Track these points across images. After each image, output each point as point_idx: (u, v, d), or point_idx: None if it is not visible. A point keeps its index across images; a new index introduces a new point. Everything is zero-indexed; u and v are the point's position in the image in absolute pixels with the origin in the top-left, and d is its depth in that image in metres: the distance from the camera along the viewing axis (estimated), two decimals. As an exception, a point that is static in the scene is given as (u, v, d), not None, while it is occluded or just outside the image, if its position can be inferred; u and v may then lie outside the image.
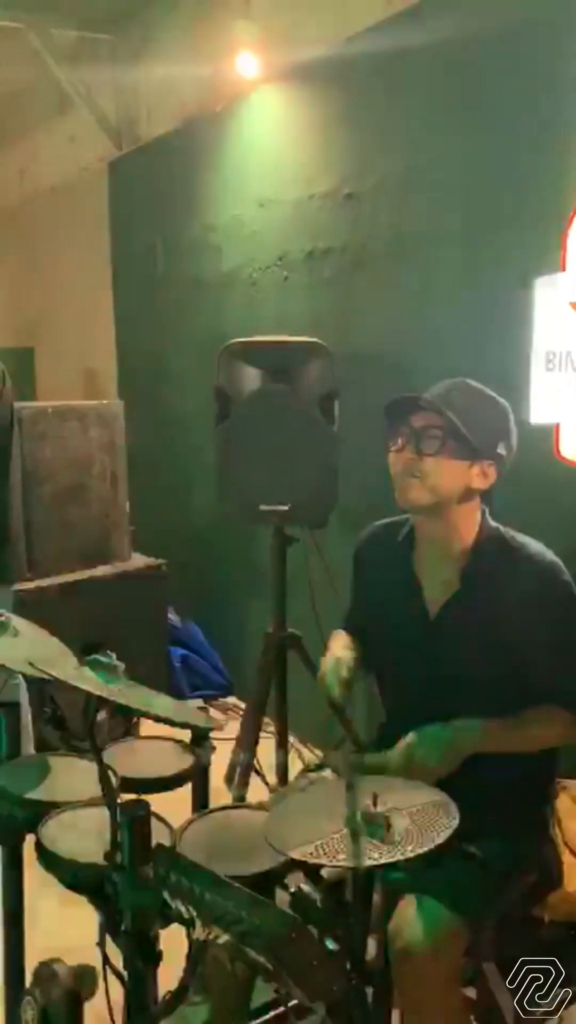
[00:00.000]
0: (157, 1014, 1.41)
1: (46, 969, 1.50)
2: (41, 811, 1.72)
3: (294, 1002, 1.12)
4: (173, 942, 1.38)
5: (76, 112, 5.27)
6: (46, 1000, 1.47)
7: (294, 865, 1.47)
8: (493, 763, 1.78)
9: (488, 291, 2.75)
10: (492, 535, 1.89)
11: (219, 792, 2.65)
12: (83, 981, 1.46)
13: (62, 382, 5.96)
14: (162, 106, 4.72)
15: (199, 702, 4.19)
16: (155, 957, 1.39)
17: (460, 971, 1.73)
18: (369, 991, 1.52)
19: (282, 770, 3.07)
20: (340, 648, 2.03)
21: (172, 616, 4.35)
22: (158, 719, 1.49)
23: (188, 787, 1.94)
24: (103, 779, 1.45)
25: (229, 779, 3.04)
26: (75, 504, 3.92)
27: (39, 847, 1.62)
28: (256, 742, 3.02)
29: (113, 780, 1.50)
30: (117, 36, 4.98)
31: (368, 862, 1.31)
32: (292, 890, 1.47)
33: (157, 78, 4.64)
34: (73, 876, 1.55)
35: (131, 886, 1.35)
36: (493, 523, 1.91)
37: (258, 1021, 1.68)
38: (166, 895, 1.30)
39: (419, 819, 1.39)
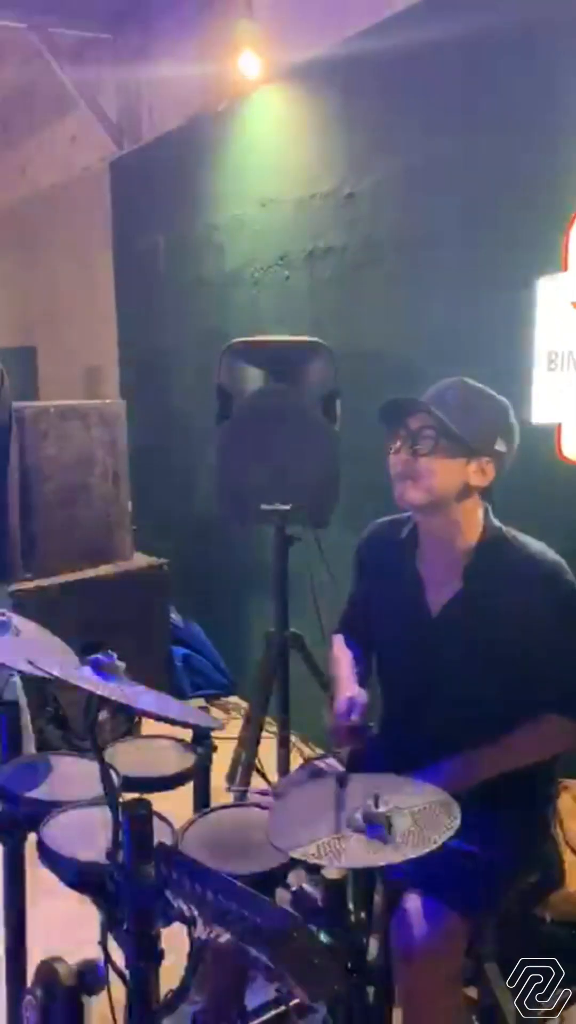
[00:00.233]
0: (159, 1013, 1.41)
1: (48, 968, 1.50)
2: (43, 810, 1.73)
3: (295, 1001, 1.13)
4: (175, 941, 1.38)
5: (78, 111, 5.27)
6: (48, 999, 1.47)
7: (295, 864, 1.47)
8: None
9: (490, 291, 2.75)
10: (495, 534, 1.89)
11: (220, 791, 2.66)
12: (85, 980, 1.46)
13: (64, 381, 5.97)
14: (164, 106, 4.72)
15: (201, 701, 4.19)
16: (157, 956, 1.39)
17: (461, 971, 1.73)
18: (370, 990, 1.52)
19: (283, 769, 3.07)
20: (349, 682, 1.98)
21: (174, 615, 4.35)
22: (159, 718, 1.49)
23: (190, 786, 1.94)
24: (105, 778, 1.45)
25: (231, 778, 3.05)
26: (77, 504, 3.92)
27: (41, 846, 1.62)
28: (258, 741, 3.03)
29: (115, 779, 1.51)
30: (119, 36, 4.98)
31: (369, 862, 1.31)
32: (293, 889, 1.47)
33: (159, 78, 4.64)
34: (75, 875, 1.55)
35: (133, 885, 1.35)
36: (496, 522, 1.91)
37: (259, 1020, 1.68)
38: (168, 894, 1.30)
39: (421, 819, 1.40)
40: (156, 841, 1.38)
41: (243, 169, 4.00)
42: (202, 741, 1.93)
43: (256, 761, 3.01)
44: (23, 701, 2.66)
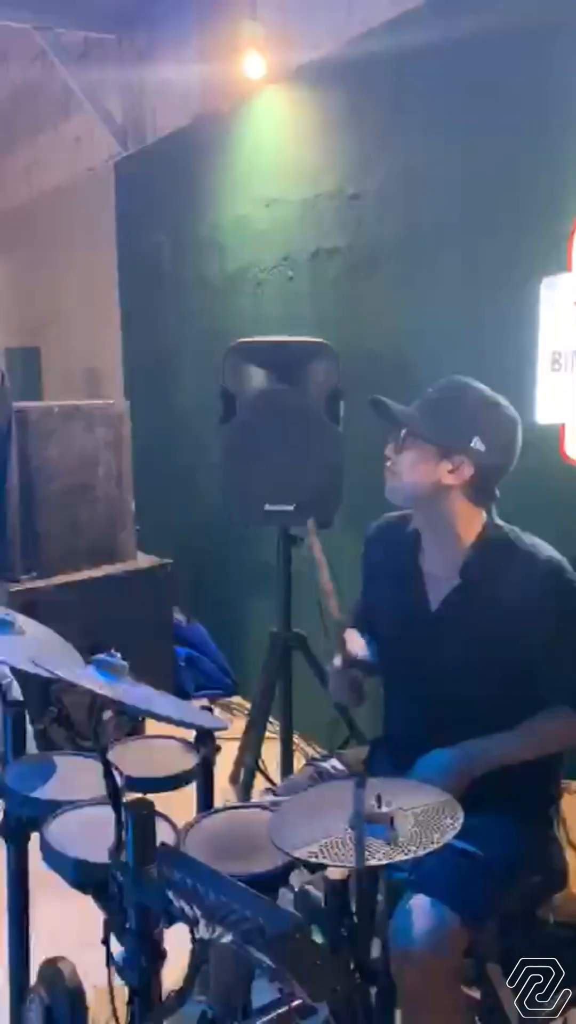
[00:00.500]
0: (161, 1013, 1.41)
1: (51, 968, 1.50)
2: (46, 810, 1.73)
3: (297, 1002, 1.13)
4: (177, 941, 1.38)
5: (82, 112, 5.28)
6: (51, 999, 1.47)
7: (298, 864, 1.47)
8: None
9: (494, 291, 2.75)
10: (495, 533, 1.89)
11: (224, 792, 2.66)
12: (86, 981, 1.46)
13: (68, 382, 5.97)
14: (168, 106, 4.72)
15: (204, 701, 4.19)
16: (159, 956, 1.39)
17: (462, 971, 1.73)
18: (372, 991, 1.52)
19: (287, 770, 3.08)
20: (356, 644, 2.02)
21: (177, 615, 4.36)
22: (163, 719, 1.49)
23: (193, 786, 1.95)
24: (108, 778, 1.46)
25: (234, 779, 3.05)
26: (81, 504, 3.92)
27: (44, 845, 1.63)
28: (261, 742, 3.03)
29: (118, 779, 1.51)
30: (123, 37, 4.99)
31: (371, 862, 1.31)
32: (296, 889, 1.47)
33: (163, 78, 4.65)
34: (78, 875, 1.55)
35: (136, 885, 1.35)
36: (498, 521, 1.91)
37: (261, 1021, 1.68)
38: (170, 894, 1.30)
39: (423, 819, 1.40)
40: (159, 841, 1.38)
41: (247, 170, 4.00)
42: (205, 741, 1.93)
43: (259, 762, 3.01)
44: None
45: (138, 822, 1.35)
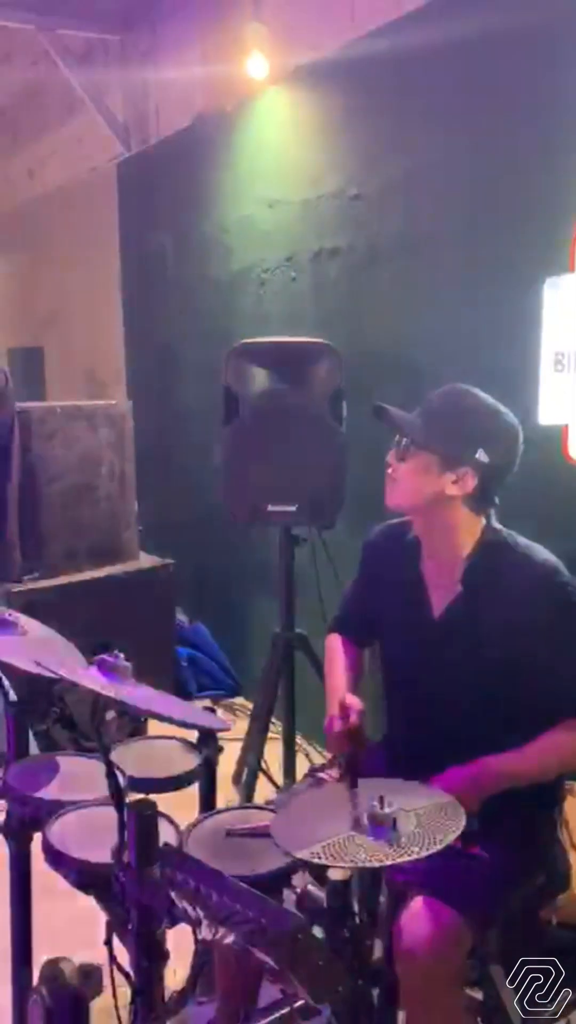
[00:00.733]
0: (163, 1013, 1.41)
1: (53, 968, 1.50)
2: (49, 810, 1.73)
3: (300, 1003, 1.13)
4: (180, 942, 1.38)
5: (85, 113, 5.28)
6: (53, 999, 1.47)
7: (301, 865, 1.47)
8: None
9: (496, 291, 2.74)
10: (493, 539, 1.88)
11: (226, 792, 2.66)
12: (89, 980, 1.46)
13: (70, 382, 5.98)
14: (171, 107, 4.72)
15: (206, 702, 4.20)
16: (162, 956, 1.39)
17: (464, 972, 1.73)
18: (374, 991, 1.52)
19: (289, 771, 3.08)
20: (342, 689, 1.98)
21: (179, 616, 4.36)
22: (166, 719, 1.49)
23: (195, 787, 1.95)
24: (110, 778, 1.46)
25: (236, 779, 3.05)
26: (83, 504, 3.93)
27: (47, 846, 1.63)
28: (263, 742, 3.03)
29: (121, 779, 1.51)
30: (126, 37, 4.99)
31: (374, 863, 1.31)
32: (298, 890, 1.47)
33: (166, 79, 4.65)
34: (80, 875, 1.55)
35: (138, 885, 1.35)
36: (497, 526, 1.90)
37: (264, 1021, 1.68)
38: (173, 895, 1.30)
39: (426, 820, 1.40)
40: (161, 842, 1.38)
41: (250, 170, 4.00)
42: (208, 742, 1.93)
43: (262, 762, 3.01)
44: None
45: (140, 822, 1.35)
